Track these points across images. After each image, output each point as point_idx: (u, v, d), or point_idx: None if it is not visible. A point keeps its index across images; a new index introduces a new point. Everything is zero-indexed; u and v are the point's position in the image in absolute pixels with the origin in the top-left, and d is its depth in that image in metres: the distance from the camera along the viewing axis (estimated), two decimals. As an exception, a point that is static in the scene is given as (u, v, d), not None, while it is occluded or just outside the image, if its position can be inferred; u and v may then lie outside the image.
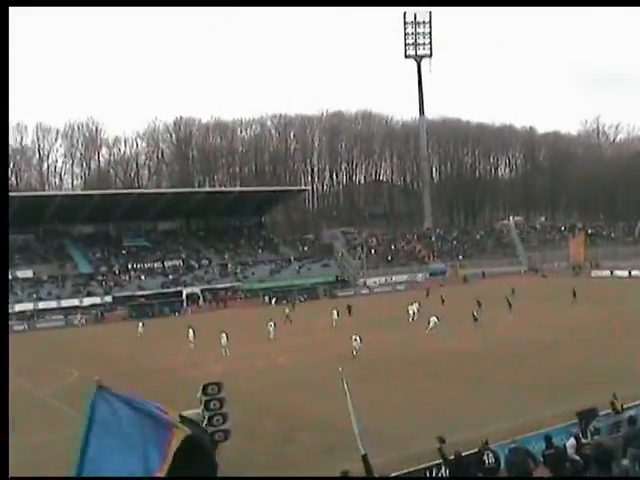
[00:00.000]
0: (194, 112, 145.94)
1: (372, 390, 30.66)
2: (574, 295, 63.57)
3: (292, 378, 36.42)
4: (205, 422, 17.64)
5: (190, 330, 51.11)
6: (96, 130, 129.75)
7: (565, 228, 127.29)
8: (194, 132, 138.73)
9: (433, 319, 49.69)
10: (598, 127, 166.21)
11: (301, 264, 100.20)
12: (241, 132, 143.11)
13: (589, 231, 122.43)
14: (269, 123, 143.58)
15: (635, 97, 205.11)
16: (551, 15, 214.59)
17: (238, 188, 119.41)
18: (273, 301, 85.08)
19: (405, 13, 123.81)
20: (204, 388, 18.10)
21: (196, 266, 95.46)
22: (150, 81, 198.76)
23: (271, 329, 52.45)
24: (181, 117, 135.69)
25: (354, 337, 41.02)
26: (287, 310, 66.34)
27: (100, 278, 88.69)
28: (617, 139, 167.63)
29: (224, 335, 46.31)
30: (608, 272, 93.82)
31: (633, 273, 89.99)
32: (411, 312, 58.15)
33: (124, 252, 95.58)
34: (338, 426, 24.47)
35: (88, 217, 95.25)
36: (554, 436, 18.57)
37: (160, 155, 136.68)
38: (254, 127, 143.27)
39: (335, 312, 59.42)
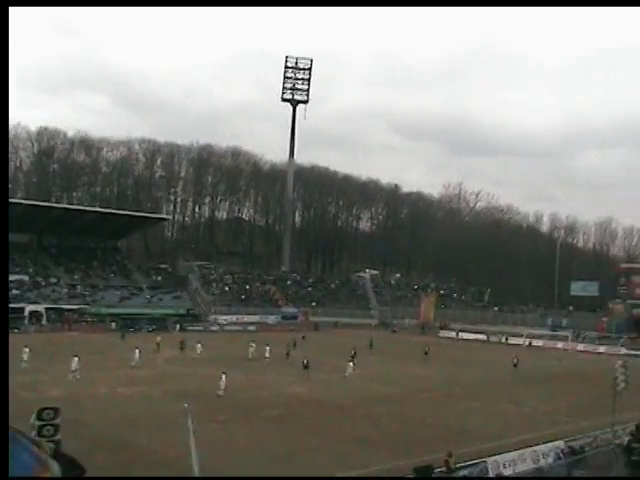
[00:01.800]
0: (59, 124, 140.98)
1: (215, 429, 29.98)
2: (426, 353, 64.42)
3: (134, 410, 35.01)
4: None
5: (26, 349, 47.61)
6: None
7: (418, 287, 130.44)
8: (57, 145, 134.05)
9: (350, 364, 49.52)
10: (460, 193, 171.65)
11: (153, 293, 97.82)
12: (107, 152, 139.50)
13: (441, 292, 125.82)
14: (137, 147, 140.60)
15: (496, 168, 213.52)
16: (423, 85, 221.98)
17: (97, 208, 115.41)
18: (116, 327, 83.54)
19: (287, 57, 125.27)
20: (39, 412, 16.82)
21: (43, 283, 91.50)
22: (16, 83, 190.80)
23: (136, 356, 50.34)
24: (45, 127, 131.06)
25: (222, 376, 39.42)
26: (158, 338, 63.22)
27: None
28: (477, 207, 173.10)
29: (75, 359, 43.52)
30: (455, 333, 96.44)
31: (480, 337, 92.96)
32: (267, 354, 57.47)
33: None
34: (175, 462, 23.71)
35: None
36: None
37: (18, 163, 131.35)
38: (121, 149, 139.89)
39: (199, 345, 58.96)
